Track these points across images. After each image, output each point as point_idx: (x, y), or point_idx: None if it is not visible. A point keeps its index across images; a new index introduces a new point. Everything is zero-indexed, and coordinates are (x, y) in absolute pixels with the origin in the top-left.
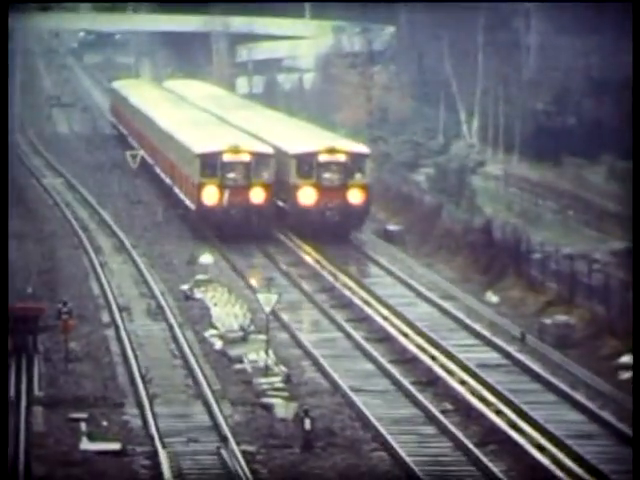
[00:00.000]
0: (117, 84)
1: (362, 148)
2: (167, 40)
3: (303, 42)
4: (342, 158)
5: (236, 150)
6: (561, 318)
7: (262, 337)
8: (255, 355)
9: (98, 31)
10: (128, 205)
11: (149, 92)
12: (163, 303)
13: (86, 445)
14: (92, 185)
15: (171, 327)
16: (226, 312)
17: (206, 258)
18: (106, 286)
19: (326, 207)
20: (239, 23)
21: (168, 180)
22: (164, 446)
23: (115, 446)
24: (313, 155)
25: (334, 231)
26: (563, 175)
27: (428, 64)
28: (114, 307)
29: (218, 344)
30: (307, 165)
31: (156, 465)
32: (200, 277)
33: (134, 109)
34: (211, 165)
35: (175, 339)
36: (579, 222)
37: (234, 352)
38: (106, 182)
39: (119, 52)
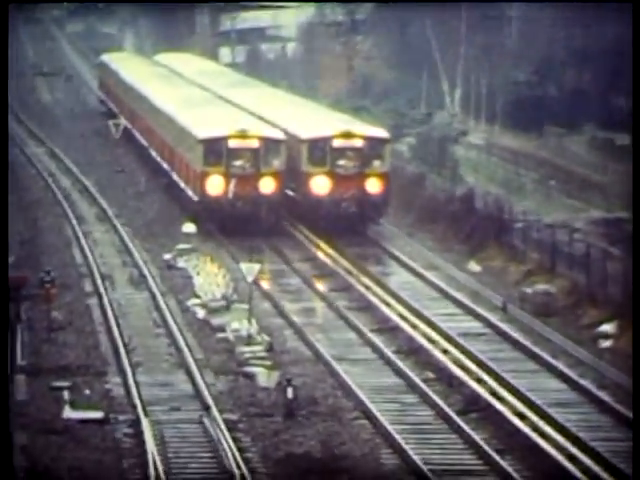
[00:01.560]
0: (106, 57)
1: (381, 132)
2: (150, 9)
3: (286, 11)
4: (359, 143)
5: (244, 135)
6: (542, 287)
7: (245, 306)
8: (238, 324)
9: (82, 1)
10: (111, 174)
11: (142, 67)
12: (146, 272)
13: (69, 413)
14: (75, 154)
15: (154, 296)
16: (209, 281)
17: (189, 227)
18: (89, 255)
19: (341, 197)
20: None
21: (166, 165)
22: (146, 414)
23: (97, 414)
24: (327, 140)
25: (350, 224)
26: (545, 145)
27: (411, 34)
28: (97, 276)
29: (201, 313)
30: (320, 151)
31: (138, 433)
32: (182, 246)
33: (126, 86)
34: (216, 151)
35: (158, 308)
36: (560, 192)
37: (217, 321)
38: (89, 151)
39: (102, 21)
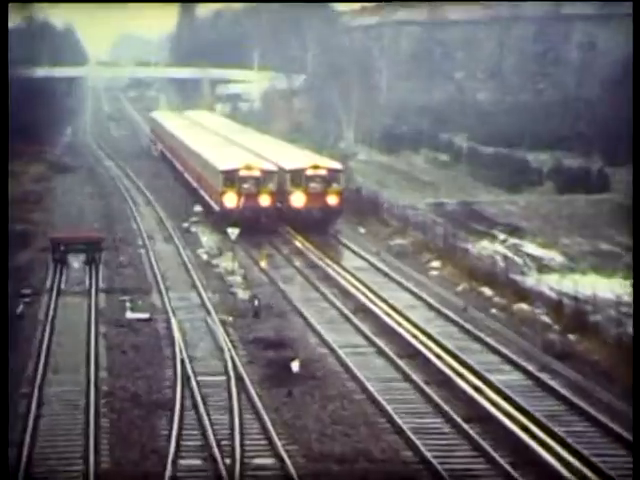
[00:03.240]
0: (154, 114)
1: (337, 165)
2: (175, 82)
3: (253, 84)
4: (323, 172)
5: (249, 167)
6: (399, 241)
7: (230, 253)
8: (226, 263)
9: (136, 77)
10: (153, 178)
11: (177, 120)
12: (173, 234)
13: (129, 315)
14: (132, 167)
15: (177, 248)
16: (210, 239)
17: (197, 207)
18: (140, 224)
19: (312, 208)
20: (216, 72)
21: (195, 184)
22: (174, 315)
23: (146, 315)
24: (303, 170)
25: (317, 225)
26: (400, 160)
27: (325, 96)
28: (145, 236)
29: (205, 257)
30: (298, 177)
31: (170, 326)
32: (194, 219)
33: (168, 132)
34: (231, 178)
35: (180, 254)
36: (409, 187)
37: (214, 262)
38: (141, 165)
39: (147, 89)
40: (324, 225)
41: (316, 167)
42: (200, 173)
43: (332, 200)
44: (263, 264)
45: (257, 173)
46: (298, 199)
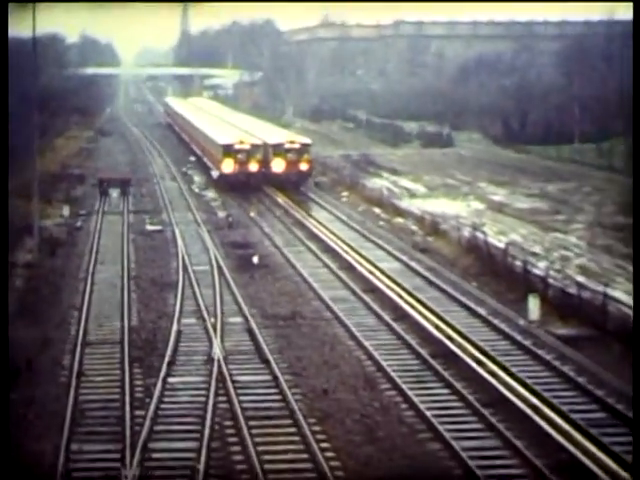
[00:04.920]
0: (167, 99)
1: (308, 140)
2: (176, 77)
3: (228, 78)
4: (297, 145)
5: (242, 142)
6: (322, 179)
7: (214, 189)
8: (211, 194)
9: (152, 74)
10: (163, 139)
11: (184, 104)
12: (176, 175)
13: (148, 227)
14: (149, 131)
15: (179, 184)
16: (200, 179)
17: (192, 158)
18: (155, 169)
19: (289, 172)
20: (203, 70)
21: (199, 152)
22: (177, 227)
23: (159, 227)
24: (282, 144)
25: (292, 185)
26: (322, 127)
27: (274, 86)
28: (158, 177)
29: (197, 190)
30: (279, 149)
31: (174, 235)
32: (189, 166)
33: (177, 113)
34: (228, 150)
35: (180, 188)
36: (329, 144)
37: (203, 193)
38: (155, 131)
39: (159, 81)
40: (297, 185)
41: (292, 142)
42: (204, 145)
43: (304, 167)
44: (238, 199)
45: (247, 146)
46: (279, 165)
